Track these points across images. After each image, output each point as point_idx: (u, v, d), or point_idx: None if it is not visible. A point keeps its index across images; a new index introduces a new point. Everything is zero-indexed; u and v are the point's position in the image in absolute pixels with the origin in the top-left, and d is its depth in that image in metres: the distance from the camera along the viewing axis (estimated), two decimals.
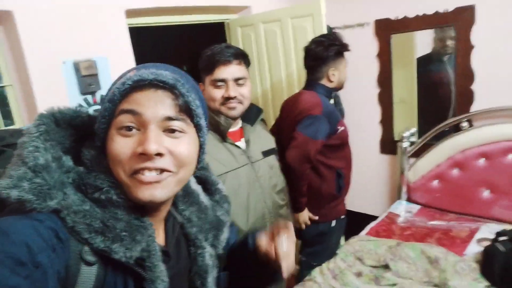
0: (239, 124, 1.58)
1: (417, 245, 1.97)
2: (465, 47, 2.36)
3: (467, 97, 2.42)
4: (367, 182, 2.95)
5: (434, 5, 2.40)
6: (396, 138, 2.74)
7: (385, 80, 2.72)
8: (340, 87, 2.06)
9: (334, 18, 2.75)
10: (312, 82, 1.99)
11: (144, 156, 0.60)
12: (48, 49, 1.79)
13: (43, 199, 0.57)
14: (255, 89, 2.74)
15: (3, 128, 1.50)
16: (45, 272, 0.52)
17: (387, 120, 2.78)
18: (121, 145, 0.61)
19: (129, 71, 0.65)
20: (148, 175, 0.62)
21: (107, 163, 0.64)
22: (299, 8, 2.37)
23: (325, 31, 2.29)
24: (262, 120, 1.77)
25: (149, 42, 2.89)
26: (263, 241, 0.77)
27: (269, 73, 2.63)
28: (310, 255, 2.11)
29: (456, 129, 2.47)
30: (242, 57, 1.50)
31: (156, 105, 0.61)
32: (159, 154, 0.61)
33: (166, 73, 0.63)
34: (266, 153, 1.63)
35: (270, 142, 1.71)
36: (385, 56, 2.68)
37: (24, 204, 0.55)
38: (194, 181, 0.84)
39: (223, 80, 1.45)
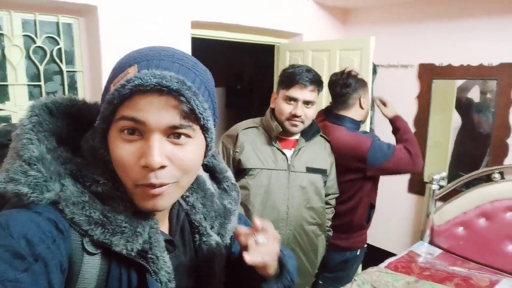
0: (296, 136, 1.71)
1: (436, 285, 1.97)
2: (505, 102, 2.42)
3: (502, 150, 2.45)
4: (391, 219, 2.97)
5: (479, 57, 2.48)
6: (425, 180, 2.77)
7: (421, 122, 2.79)
8: (365, 119, 2.07)
9: (380, 56, 2.87)
10: (340, 116, 1.96)
11: (145, 169, 0.57)
12: (121, 43, 1.98)
13: (40, 191, 0.55)
14: None
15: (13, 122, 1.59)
16: (46, 264, 0.51)
17: None
18: (125, 153, 0.57)
19: (129, 63, 0.59)
20: (158, 190, 0.59)
21: (107, 157, 0.61)
22: (350, 41, 2.51)
23: (371, 66, 2.41)
24: (328, 142, 1.84)
25: (202, 51, 3.07)
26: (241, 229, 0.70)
27: None
28: (329, 280, 2.13)
29: (487, 179, 2.48)
30: (317, 84, 1.63)
31: (159, 112, 0.56)
32: (162, 167, 0.57)
33: (170, 75, 0.55)
34: (311, 170, 1.71)
35: (323, 163, 1.76)
36: (424, 99, 2.76)
37: (21, 197, 0.54)
38: (201, 168, 0.78)
39: (295, 99, 1.60)
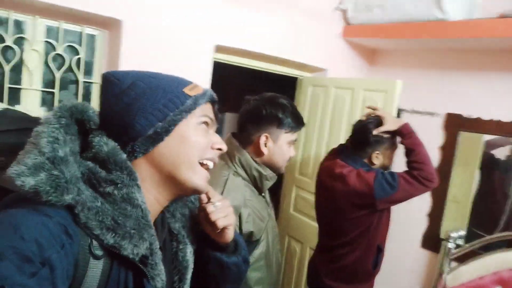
0: None
1: None
2: None
3: None
4: (400, 275, 2.78)
5: (511, 114, 2.36)
6: (442, 236, 2.59)
7: (443, 174, 2.63)
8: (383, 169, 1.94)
9: (405, 101, 2.77)
10: (353, 157, 1.87)
11: (215, 149, 0.77)
12: (141, 60, 1.95)
13: (60, 192, 0.56)
14: (310, 149, 2.76)
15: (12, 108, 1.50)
16: (53, 269, 0.51)
17: (436, 215, 2.66)
18: (202, 136, 0.74)
19: (186, 81, 0.77)
20: (205, 173, 0.75)
21: (126, 161, 0.66)
22: (375, 82, 2.43)
23: (395, 110, 2.31)
24: None
25: (222, 76, 3.03)
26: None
27: (329, 136, 2.65)
28: None
29: (508, 244, 2.30)
30: None
31: (214, 115, 0.79)
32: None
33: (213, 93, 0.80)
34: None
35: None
36: (448, 151, 2.63)
37: (39, 194, 0.54)
38: None
39: (294, 142, 1.45)
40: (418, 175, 1.72)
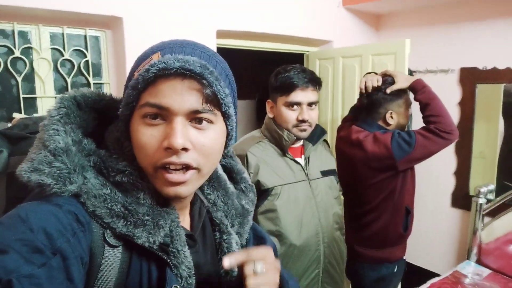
0: (301, 141, 1.60)
1: None
2: None
3: None
4: (433, 236, 2.74)
5: None
6: (471, 193, 2.54)
7: (465, 131, 2.58)
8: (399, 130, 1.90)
9: (416, 61, 2.71)
10: (368, 121, 1.84)
11: (170, 150, 0.58)
12: None
13: (63, 183, 0.56)
14: (325, 118, 2.74)
15: (29, 116, 1.57)
16: (65, 258, 0.51)
17: (462, 172, 2.61)
18: (147, 137, 0.59)
19: (153, 51, 0.61)
20: (173, 176, 0.60)
21: (130, 148, 0.62)
22: (383, 46, 2.38)
23: (406, 72, 2.26)
24: (325, 141, 1.77)
25: (229, 63, 3.05)
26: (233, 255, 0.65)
27: (342, 106, 2.63)
28: None
29: None
30: (317, 82, 1.55)
31: (182, 96, 0.57)
32: (185, 149, 0.58)
33: (193, 59, 0.58)
34: (325, 173, 1.63)
35: (330, 163, 1.70)
36: (467, 106, 2.56)
37: (44, 188, 0.55)
38: (220, 167, 0.81)
39: (298, 104, 1.49)
40: (435, 128, 1.67)
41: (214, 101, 0.60)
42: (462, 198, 2.61)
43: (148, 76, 0.57)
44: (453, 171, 2.65)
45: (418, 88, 1.76)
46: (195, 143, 0.60)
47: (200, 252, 0.71)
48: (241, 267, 0.63)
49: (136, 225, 0.58)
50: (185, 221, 0.71)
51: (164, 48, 0.61)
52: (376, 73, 1.89)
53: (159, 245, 0.60)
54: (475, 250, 2.41)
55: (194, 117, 0.59)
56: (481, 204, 2.41)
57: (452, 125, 1.70)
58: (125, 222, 0.58)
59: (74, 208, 0.55)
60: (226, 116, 0.63)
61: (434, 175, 2.70)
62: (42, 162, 0.55)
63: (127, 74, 2.02)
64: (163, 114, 0.58)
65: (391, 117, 1.81)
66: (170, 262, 0.61)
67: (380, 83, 1.79)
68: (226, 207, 0.77)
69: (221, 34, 2.30)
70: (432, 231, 2.74)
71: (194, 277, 0.64)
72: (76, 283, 0.51)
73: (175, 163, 0.59)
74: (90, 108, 0.65)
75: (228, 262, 0.62)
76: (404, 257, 2.00)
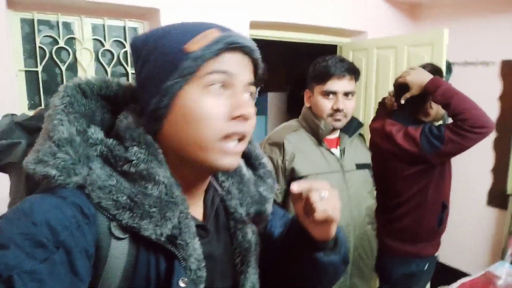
0: (337, 133, 1.60)
1: None
2: None
3: None
4: (466, 235, 2.67)
5: None
6: (508, 192, 2.45)
7: (505, 126, 2.48)
8: (437, 121, 1.86)
9: (456, 53, 2.61)
10: (402, 113, 1.80)
11: (238, 118, 0.59)
12: None
13: (67, 174, 0.54)
14: (359, 111, 2.71)
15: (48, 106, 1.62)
16: (69, 251, 0.50)
17: (501, 170, 2.51)
18: (214, 105, 0.58)
19: (204, 28, 0.61)
20: (233, 146, 0.60)
21: (144, 135, 0.60)
22: (419, 36, 2.31)
23: (444, 63, 2.19)
24: (361, 135, 1.76)
25: (261, 54, 3.08)
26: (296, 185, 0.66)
27: (375, 99, 2.59)
28: None
29: None
30: (354, 72, 1.53)
31: (244, 69, 0.61)
32: (248, 118, 0.60)
33: (248, 39, 0.62)
34: (360, 166, 1.62)
35: (365, 157, 1.69)
36: (508, 100, 2.45)
37: (49, 179, 0.54)
38: None
39: (334, 93, 1.49)
40: (464, 125, 1.60)
41: (259, 77, 0.64)
42: (498, 197, 2.51)
43: (217, 48, 0.57)
44: (490, 168, 2.56)
45: (431, 91, 1.68)
46: (250, 114, 0.62)
47: (213, 241, 0.69)
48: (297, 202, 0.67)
49: (142, 217, 0.57)
50: (198, 211, 0.70)
51: (219, 26, 0.62)
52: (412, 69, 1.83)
53: (167, 237, 0.59)
54: (510, 251, 2.32)
55: (246, 90, 0.62)
56: None
57: (481, 118, 1.61)
58: (131, 213, 0.56)
59: (78, 200, 0.54)
60: (253, 96, 0.67)
61: (470, 172, 2.61)
62: (47, 153, 0.54)
63: None
64: (227, 84, 0.59)
65: (431, 107, 1.77)
66: (178, 255, 0.59)
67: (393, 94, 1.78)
68: (241, 195, 0.74)
69: (254, 24, 2.32)
70: (465, 229, 2.66)
71: (204, 269, 0.62)
72: (81, 276, 0.51)
73: (241, 131, 0.60)
74: (96, 96, 0.63)
75: (296, 186, 0.64)
76: (437, 254, 1.95)
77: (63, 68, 1.96)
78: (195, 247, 0.61)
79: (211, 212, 0.70)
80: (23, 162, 0.55)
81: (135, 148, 0.59)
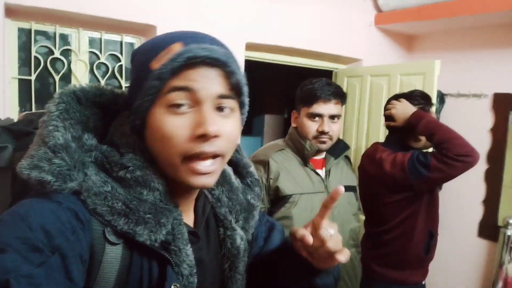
0: (323, 154, 1.61)
1: None
2: None
3: None
4: (456, 266, 2.62)
5: None
6: (499, 223, 2.42)
7: (495, 158, 2.48)
8: (428, 147, 1.84)
9: (449, 84, 2.64)
10: (393, 139, 1.83)
11: (202, 138, 0.57)
12: None
13: (63, 180, 0.55)
14: (350, 140, 2.72)
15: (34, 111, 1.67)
16: (64, 256, 0.50)
17: (491, 201, 2.49)
18: (175, 126, 0.57)
19: (169, 41, 0.60)
20: (203, 166, 0.60)
21: (139, 142, 0.62)
22: (412, 66, 2.36)
23: (435, 93, 2.22)
24: (347, 157, 1.76)
25: (257, 76, 3.11)
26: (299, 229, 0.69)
27: (367, 125, 2.60)
28: None
29: None
30: (341, 96, 1.56)
31: (209, 82, 0.58)
32: (216, 136, 0.58)
33: (218, 48, 0.59)
34: (345, 188, 1.60)
35: (351, 179, 1.70)
36: (500, 132, 2.46)
37: (44, 185, 0.54)
38: None
39: (319, 115, 1.52)
40: (448, 153, 1.61)
41: (235, 89, 0.62)
42: (489, 228, 2.49)
43: (175, 65, 0.56)
44: (481, 200, 2.54)
45: (414, 124, 1.70)
46: (222, 130, 0.59)
47: (203, 248, 0.70)
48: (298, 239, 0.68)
49: (137, 222, 0.57)
50: (189, 217, 0.71)
51: (185, 38, 0.60)
52: (401, 96, 1.86)
53: (161, 243, 0.60)
54: (500, 284, 2.29)
55: (219, 105, 0.60)
56: (509, 236, 2.30)
57: (465, 147, 1.62)
58: (126, 219, 0.57)
59: (74, 206, 0.55)
60: (242, 105, 0.65)
61: (461, 202, 2.60)
62: (42, 159, 0.54)
63: None
64: (191, 100, 0.58)
65: (419, 133, 1.78)
66: (171, 260, 0.60)
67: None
68: (231, 203, 0.76)
69: (250, 46, 2.36)
70: (455, 260, 2.62)
71: (195, 276, 0.63)
72: (76, 281, 0.51)
73: (208, 151, 0.58)
74: (91, 103, 0.64)
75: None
76: (424, 283, 1.91)
77: (57, 78, 1.97)
78: (188, 253, 0.62)
79: (203, 219, 0.72)
80: (17, 167, 0.55)
81: (131, 155, 0.61)
